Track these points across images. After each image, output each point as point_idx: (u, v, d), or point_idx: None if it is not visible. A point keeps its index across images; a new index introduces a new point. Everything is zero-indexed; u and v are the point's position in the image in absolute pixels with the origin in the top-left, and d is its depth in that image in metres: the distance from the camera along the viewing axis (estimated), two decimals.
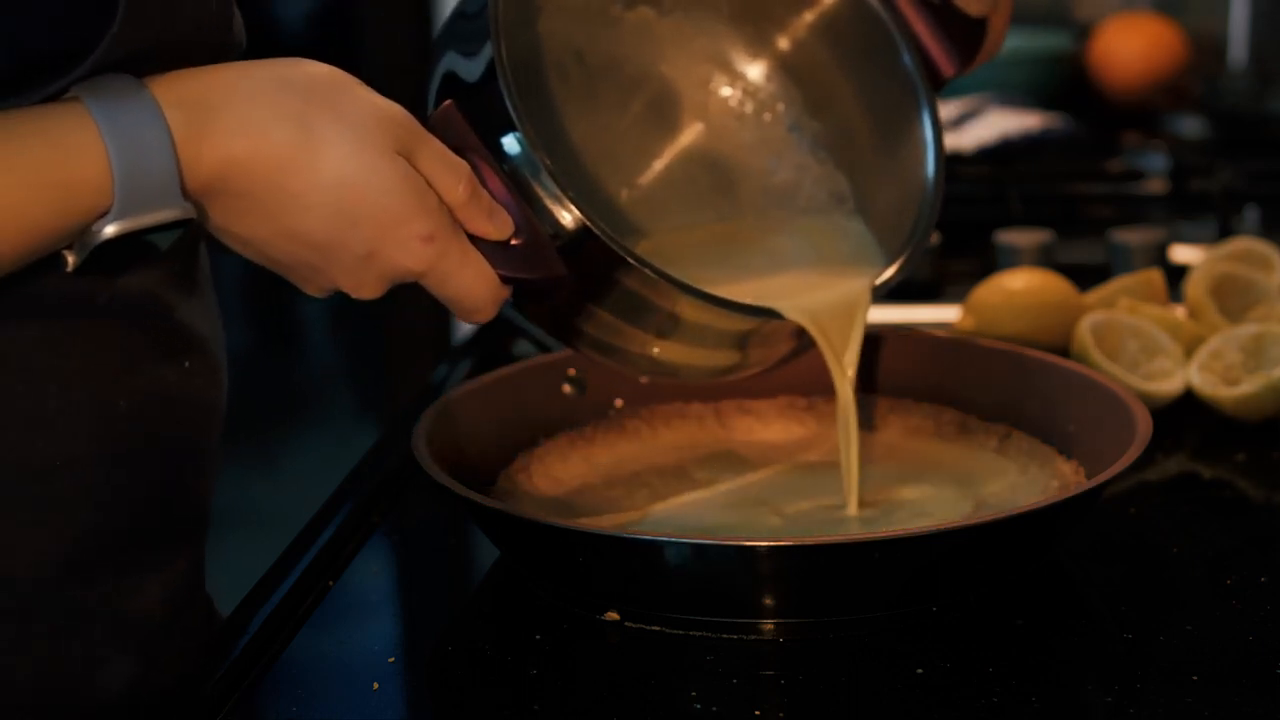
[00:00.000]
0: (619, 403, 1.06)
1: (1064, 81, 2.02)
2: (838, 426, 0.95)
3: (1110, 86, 2.04)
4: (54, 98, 0.74)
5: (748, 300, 0.90)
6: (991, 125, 1.74)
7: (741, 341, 0.94)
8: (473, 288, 0.81)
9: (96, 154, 0.72)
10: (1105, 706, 0.77)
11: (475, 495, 0.86)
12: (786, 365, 0.98)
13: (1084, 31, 2.12)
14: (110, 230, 0.73)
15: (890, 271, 0.95)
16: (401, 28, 2.43)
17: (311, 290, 0.82)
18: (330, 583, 0.91)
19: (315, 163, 0.76)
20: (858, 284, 0.94)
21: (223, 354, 0.90)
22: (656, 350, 0.92)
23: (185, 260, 0.86)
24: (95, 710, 0.83)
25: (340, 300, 0.84)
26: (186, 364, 0.86)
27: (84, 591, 0.83)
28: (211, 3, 0.80)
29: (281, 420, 2.62)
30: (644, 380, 1.05)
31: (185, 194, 0.75)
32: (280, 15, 2.87)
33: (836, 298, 0.94)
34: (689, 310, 0.88)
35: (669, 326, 0.90)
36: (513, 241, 0.82)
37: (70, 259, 0.74)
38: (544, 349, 1.16)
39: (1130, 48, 2.03)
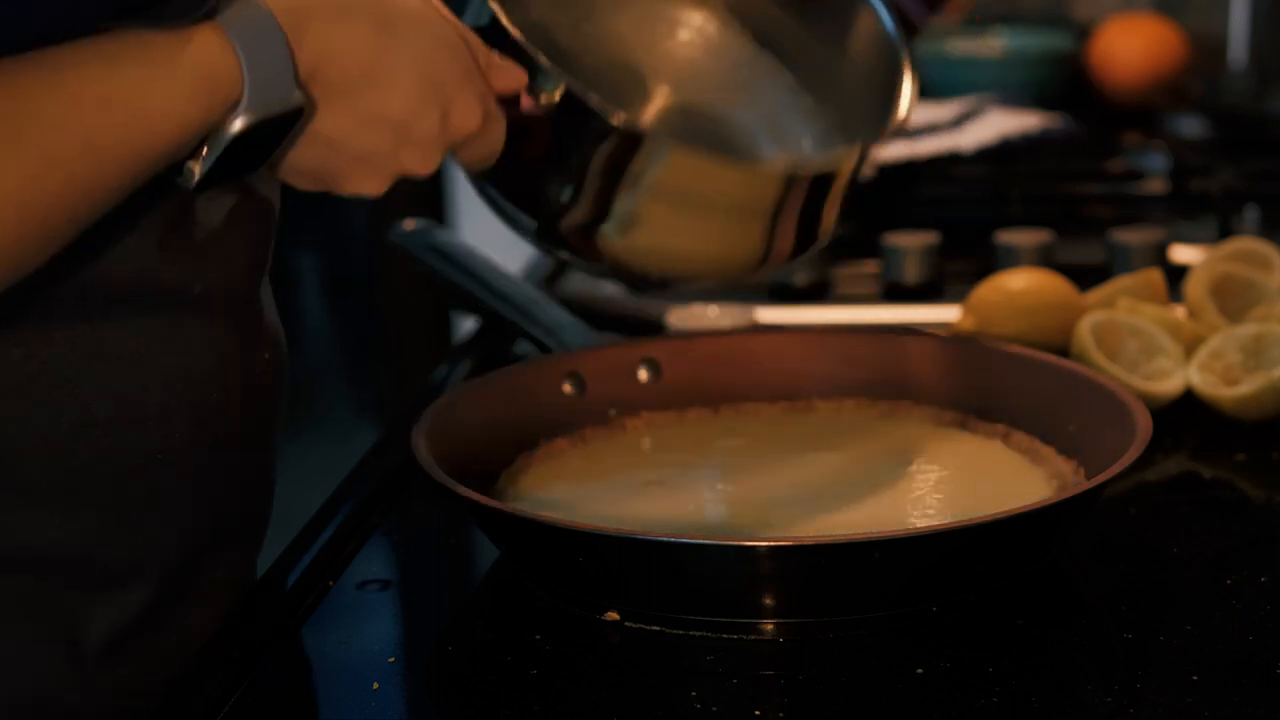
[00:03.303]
0: (619, 403, 1.06)
1: (1064, 81, 2.02)
2: None
3: (1110, 86, 2.04)
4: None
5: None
6: (991, 125, 1.74)
7: (734, 210, 0.94)
8: (500, 136, 0.89)
9: (225, 47, 0.76)
10: (1105, 706, 0.77)
11: (475, 495, 0.86)
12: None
13: (1084, 31, 2.12)
14: (239, 124, 0.77)
15: (902, 106, 0.96)
16: None
17: (375, 184, 0.85)
18: (330, 583, 0.91)
19: (396, 42, 0.82)
20: (863, 128, 0.96)
21: (284, 345, 0.93)
22: (653, 225, 0.93)
23: (262, 248, 0.89)
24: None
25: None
26: (267, 355, 0.89)
27: (176, 588, 0.85)
28: None
29: (281, 420, 2.61)
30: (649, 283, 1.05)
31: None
32: None
33: (843, 140, 0.97)
34: (680, 170, 0.91)
35: (663, 193, 0.91)
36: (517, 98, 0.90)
37: (196, 170, 0.77)
38: (544, 349, 1.16)
39: (1130, 48, 2.03)
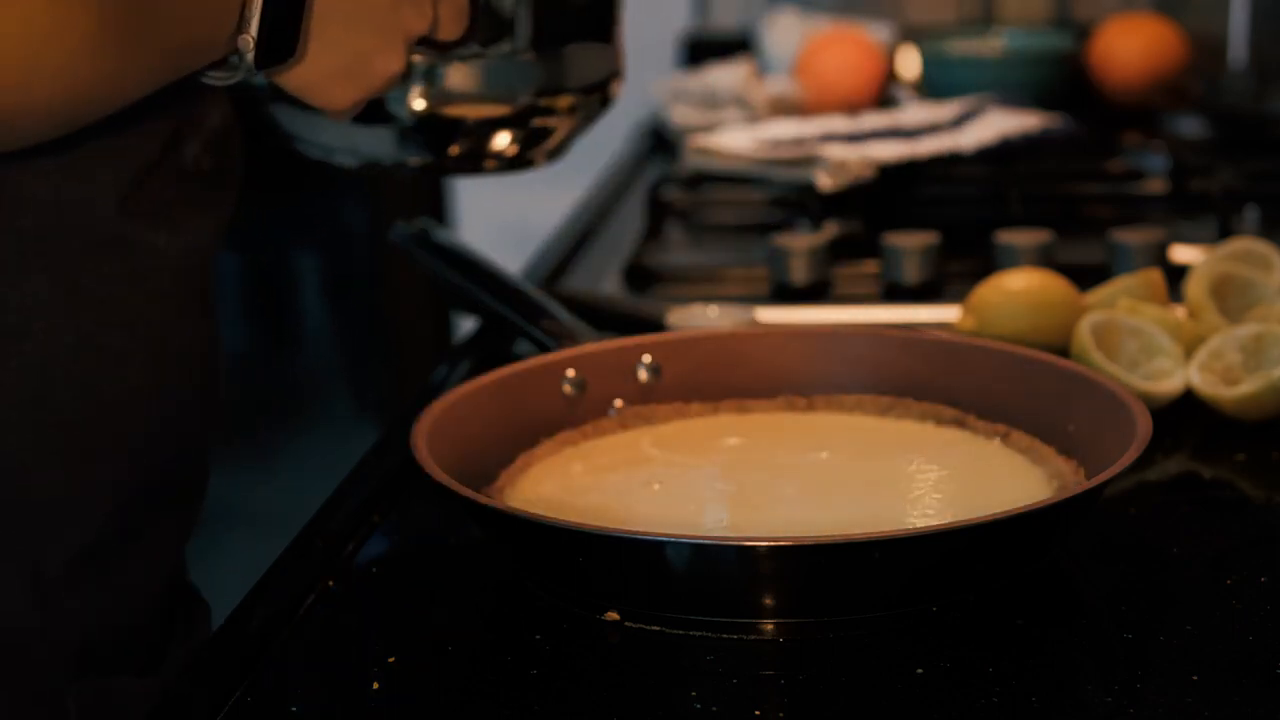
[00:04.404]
0: (619, 403, 1.06)
1: (1064, 81, 2.02)
2: None
3: (1110, 86, 2.04)
4: None
5: None
6: (991, 125, 1.74)
7: None
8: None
9: None
10: (1105, 706, 0.77)
11: (475, 495, 0.86)
12: None
13: (1084, 31, 2.12)
14: None
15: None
16: None
17: (396, 57, 0.94)
18: (330, 583, 0.91)
19: None
20: None
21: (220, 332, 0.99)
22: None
23: (223, 221, 0.94)
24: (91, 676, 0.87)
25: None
26: (213, 319, 0.94)
27: (120, 535, 0.89)
28: None
29: (281, 420, 2.61)
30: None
31: None
32: None
33: None
34: None
35: None
36: None
37: (250, 42, 0.84)
38: (544, 349, 1.16)
39: (1130, 48, 2.03)
